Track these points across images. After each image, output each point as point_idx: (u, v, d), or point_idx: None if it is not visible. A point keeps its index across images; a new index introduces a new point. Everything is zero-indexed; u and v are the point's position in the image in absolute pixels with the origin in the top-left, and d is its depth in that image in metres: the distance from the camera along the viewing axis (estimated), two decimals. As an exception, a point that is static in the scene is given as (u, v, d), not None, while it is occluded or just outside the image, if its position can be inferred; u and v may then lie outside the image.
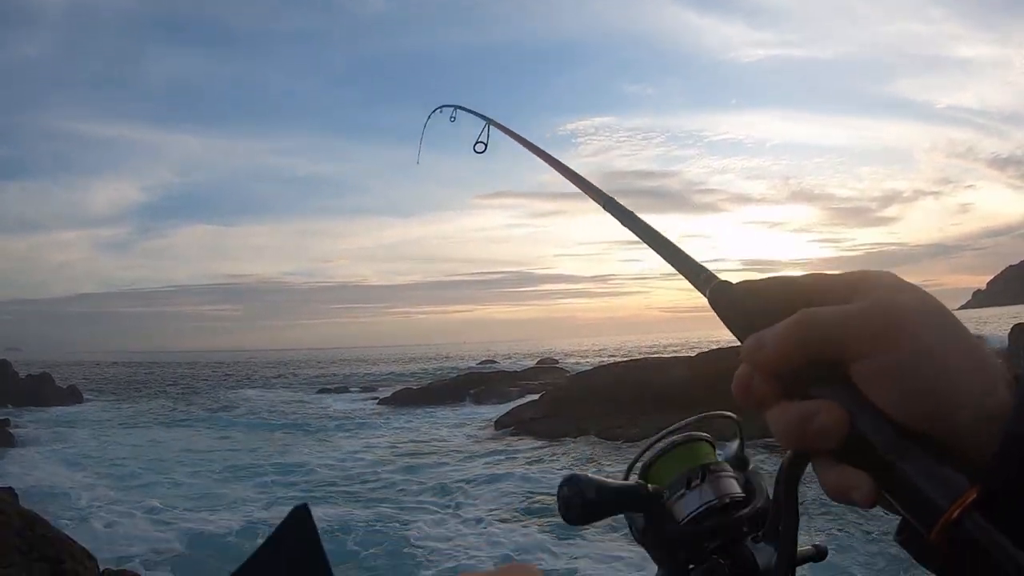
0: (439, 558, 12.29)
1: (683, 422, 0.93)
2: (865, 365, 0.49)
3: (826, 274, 0.58)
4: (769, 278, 0.60)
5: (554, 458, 21.04)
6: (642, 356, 37.29)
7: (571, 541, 13.04)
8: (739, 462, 0.89)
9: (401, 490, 17.87)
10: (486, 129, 1.48)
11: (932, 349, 0.49)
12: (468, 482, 18.34)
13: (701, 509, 0.83)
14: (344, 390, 52.29)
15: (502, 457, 21.65)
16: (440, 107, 1.96)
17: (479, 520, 14.69)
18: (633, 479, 0.93)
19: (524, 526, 14.25)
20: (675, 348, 71.58)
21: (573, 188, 0.95)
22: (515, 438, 24.99)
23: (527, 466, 19.95)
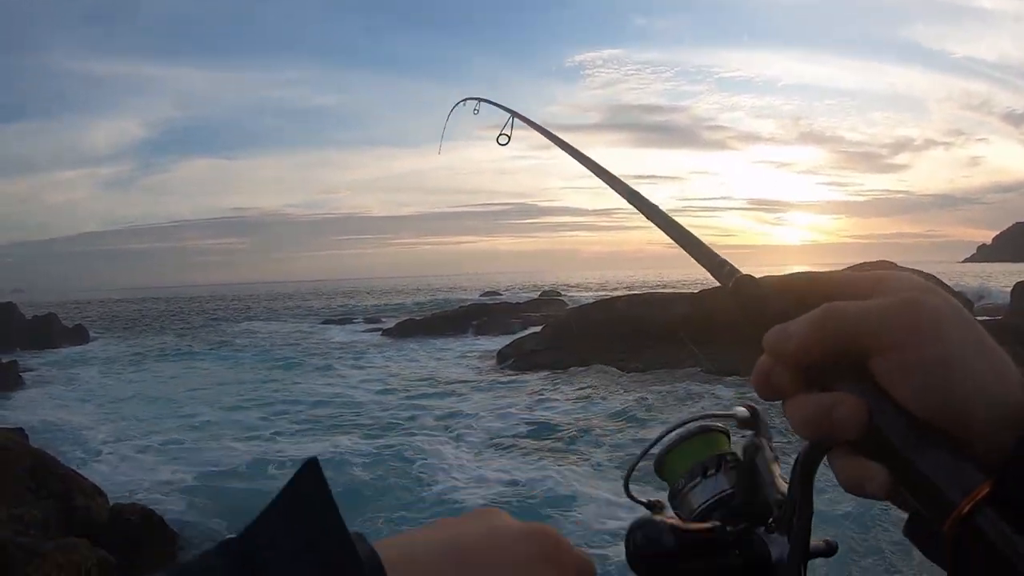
0: (440, 488, 12.58)
1: (695, 415, 0.90)
2: (887, 360, 0.51)
3: (849, 272, 0.59)
4: (792, 274, 0.62)
5: (555, 389, 21.29)
6: (646, 292, 37.27)
7: (573, 467, 13.32)
8: (750, 453, 0.86)
9: (403, 420, 18.16)
10: (510, 122, 1.51)
11: (954, 349, 0.50)
12: (469, 412, 18.63)
13: (714, 499, 0.82)
14: (348, 321, 52.54)
15: (503, 388, 21.97)
16: (464, 100, 2.00)
17: (479, 450, 14.97)
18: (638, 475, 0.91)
19: (525, 454, 14.54)
20: (677, 285, 71.54)
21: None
22: (517, 370, 25.24)
23: (528, 396, 20.25)
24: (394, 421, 18.16)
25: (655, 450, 0.88)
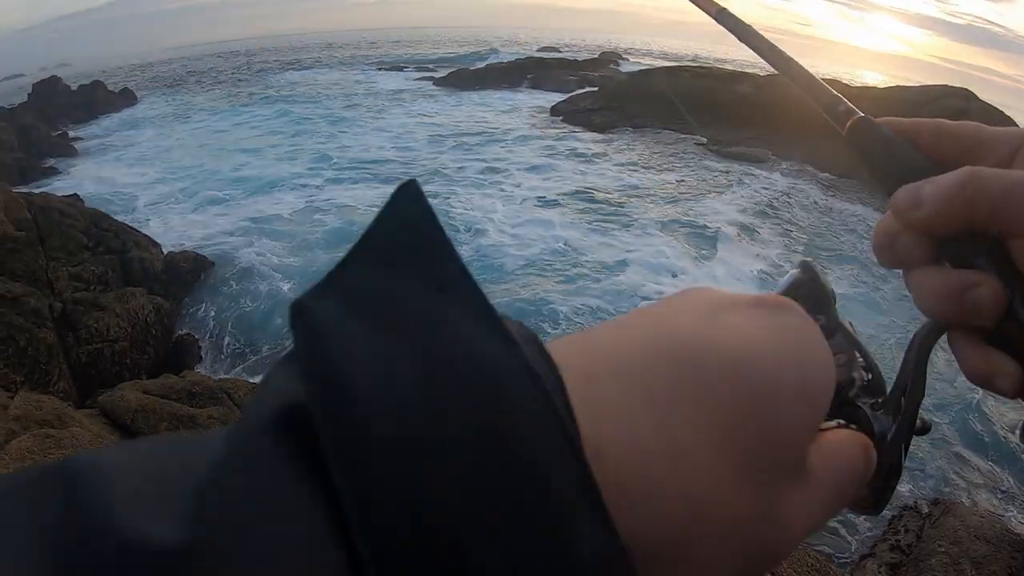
0: (486, 243, 12.47)
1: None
2: None
3: (988, 128, 0.50)
4: (918, 121, 0.52)
5: (606, 151, 20.73)
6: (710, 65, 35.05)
7: (615, 232, 13.10)
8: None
9: (451, 169, 17.97)
10: None
11: None
12: (518, 164, 18.37)
13: None
14: (399, 69, 51.28)
15: (554, 143, 21.46)
16: None
17: (524, 199, 14.78)
18: None
19: (568, 211, 14.29)
20: (743, 63, 67.14)
21: None
22: (570, 126, 24.61)
23: (578, 156, 19.72)
24: (442, 170, 17.98)
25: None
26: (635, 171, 18.09)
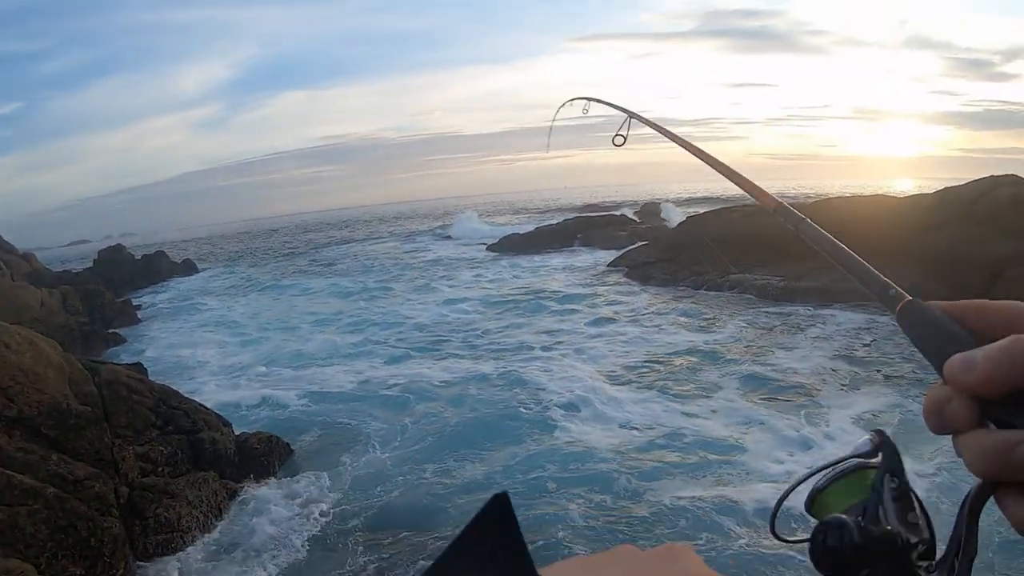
0: (566, 434, 11.48)
1: (846, 455, 0.80)
2: None
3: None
4: (964, 302, 0.58)
5: (676, 306, 20.18)
6: (750, 204, 35.07)
7: (695, 403, 12.19)
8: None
9: (520, 341, 17.43)
10: (627, 123, 1.52)
11: None
12: (584, 332, 17.79)
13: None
14: (450, 238, 52.18)
15: (617, 305, 20.94)
16: (572, 99, 2.02)
17: (600, 376, 13.95)
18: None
19: (640, 386, 13.36)
20: (783, 196, 67.74)
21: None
22: (632, 282, 24.32)
23: (643, 317, 19.07)
24: (506, 340, 17.49)
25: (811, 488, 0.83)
26: (700, 327, 17.36)
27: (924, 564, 0.68)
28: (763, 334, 16.34)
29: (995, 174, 20.25)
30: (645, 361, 14.78)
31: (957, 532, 0.61)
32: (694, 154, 1.04)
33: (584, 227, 40.03)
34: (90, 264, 41.15)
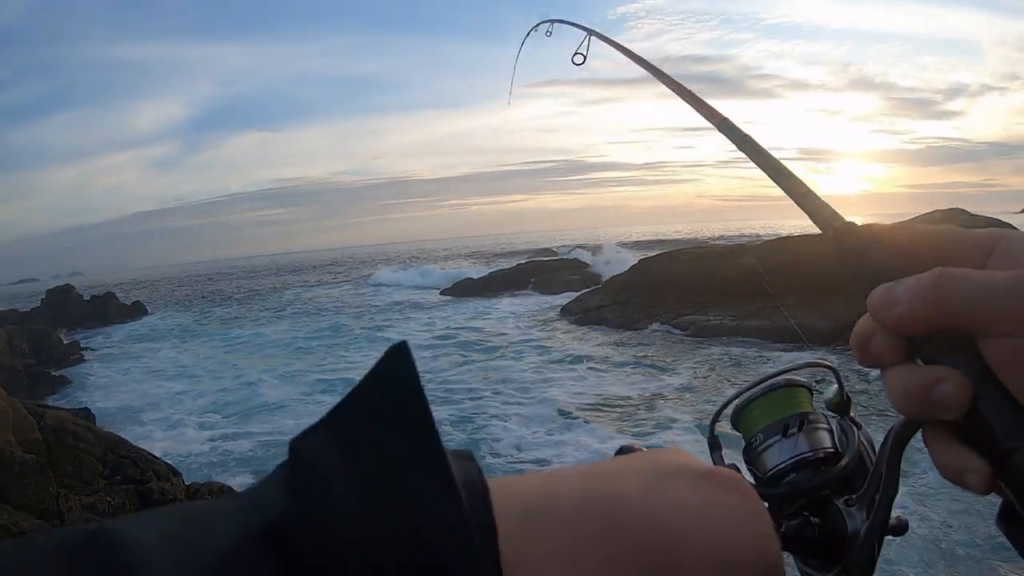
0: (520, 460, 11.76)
1: (778, 370, 0.83)
2: (1000, 343, 0.45)
3: (962, 230, 0.53)
4: (899, 226, 0.56)
5: (628, 349, 20.43)
6: (704, 244, 35.98)
7: (649, 440, 12.46)
8: (836, 412, 0.81)
9: (471, 386, 17.48)
10: (586, 41, 1.49)
11: None
12: (537, 376, 17.90)
13: (792, 461, 0.77)
14: (398, 285, 51.70)
15: (571, 348, 21.15)
16: (537, 23, 1.96)
17: (555, 416, 14.13)
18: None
19: (597, 423, 13.62)
20: (733, 237, 69.25)
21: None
22: (583, 327, 24.51)
23: (598, 361, 19.29)
24: (459, 385, 17.54)
25: (734, 405, 0.85)
26: (652, 368, 17.65)
27: (844, 498, 0.69)
28: (713, 372, 16.67)
29: (939, 208, 21.02)
30: (596, 403, 14.98)
31: (878, 468, 0.61)
32: (650, 71, 1.04)
33: (537, 271, 40.35)
34: (38, 304, 40.43)
